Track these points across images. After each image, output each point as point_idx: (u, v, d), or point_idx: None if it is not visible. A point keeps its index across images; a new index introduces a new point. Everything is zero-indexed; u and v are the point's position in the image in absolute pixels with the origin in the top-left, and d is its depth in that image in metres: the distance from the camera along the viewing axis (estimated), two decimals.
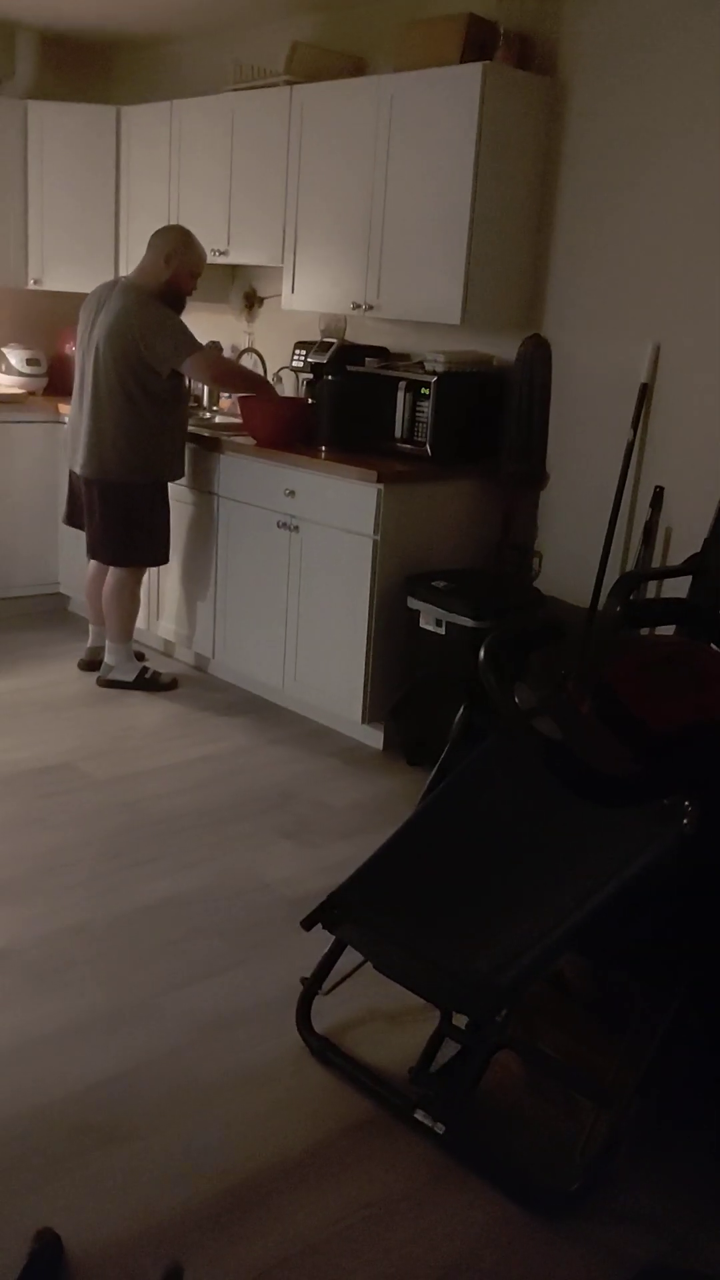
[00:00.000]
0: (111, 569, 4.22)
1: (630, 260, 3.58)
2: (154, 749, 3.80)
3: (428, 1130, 2.10)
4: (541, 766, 1.91)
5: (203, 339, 5.10)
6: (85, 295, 4.15)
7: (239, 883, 2.98)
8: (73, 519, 4.31)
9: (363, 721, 3.87)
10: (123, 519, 4.09)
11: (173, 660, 4.68)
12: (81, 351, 4.07)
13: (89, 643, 4.47)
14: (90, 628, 4.46)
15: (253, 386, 4.15)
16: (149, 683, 4.30)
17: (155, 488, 4.12)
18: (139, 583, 4.27)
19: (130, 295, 3.92)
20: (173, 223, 4.17)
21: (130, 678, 4.30)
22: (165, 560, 4.28)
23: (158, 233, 4.03)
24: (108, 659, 4.33)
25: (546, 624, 2.08)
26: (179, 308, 4.02)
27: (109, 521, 4.09)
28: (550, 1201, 1.97)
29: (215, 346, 4.76)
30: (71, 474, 4.22)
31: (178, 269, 3.96)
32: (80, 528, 4.25)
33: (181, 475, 4.22)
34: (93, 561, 4.29)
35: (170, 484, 4.20)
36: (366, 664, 3.78)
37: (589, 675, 1.76)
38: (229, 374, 4.20)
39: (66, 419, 4.23)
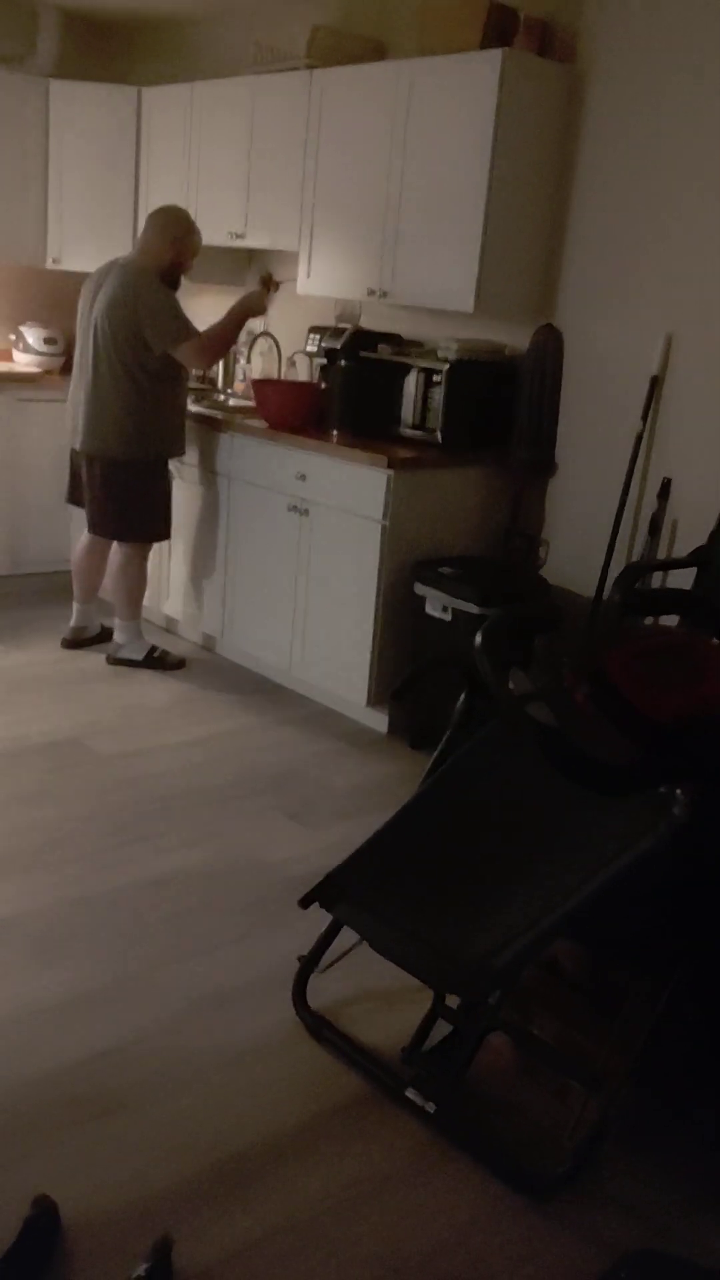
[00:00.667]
0: (116, 547, 4.25)
1: (645, 251, 3.57)
2: (160, 727, 3.83)
3: (419, 1110, 2.12)
4: (538, 759, 1.91)
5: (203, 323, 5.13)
6: None
7: (240, 861, 3.01)
8: (74, 496, 4.34)
9: (367, 705, 3.88)
10: (123, 495, 4.12)
11: (179, 639, 4.70)
12: (82, 330, 4.09)
13: (72, 621, 4.51)
14: (75, 605, 4.50)
15: (232, 336, 4.09)
16: (157, 661, 4.33)
17: (155, 464, 4.14)
18: (144, 559, 4.30)
19: (131, 274, 3.95)
20: (176, 204, 4.18)
21: (139, 656, 4.33)
22: (166, 536, 4.30)
23: (159, 212, 4.06)
24: (117, 637, 4.36)
25: (544, 610, 2.09)
26: (176, 287, 4.05)
27: (109, 498, 4.12)
28: (538, 1184, 1.99)
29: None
30: (72, 452, 4.24)
31: (181, 251, 3.99)
32: (82, 505, 4.28)
33: (182, 452, 4.24)
34: (84, 538, 4.34)
35: (181, 464, 4.21)
36: (372, 648, 3.79)
37: (586, 662, 1.77)
38: (216, 350, 4.10)
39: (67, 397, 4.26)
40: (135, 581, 4.29)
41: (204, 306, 5.30)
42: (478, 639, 1.88)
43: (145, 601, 4.63)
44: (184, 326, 3.95)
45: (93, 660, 4.37)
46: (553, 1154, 2.04)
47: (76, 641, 4.47)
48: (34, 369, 5.06)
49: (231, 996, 2.44)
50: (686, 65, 3.39)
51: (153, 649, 4.35)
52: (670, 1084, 2.21)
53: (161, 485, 4.20)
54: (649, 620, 2.37)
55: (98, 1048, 2.25)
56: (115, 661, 4.34)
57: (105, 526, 4.20)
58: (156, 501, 4.20)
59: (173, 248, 3.98)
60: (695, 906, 1.98)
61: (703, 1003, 2.18)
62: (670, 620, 2.58)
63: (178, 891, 2.83)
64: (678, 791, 1.76)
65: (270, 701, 4.14)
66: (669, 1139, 2.14)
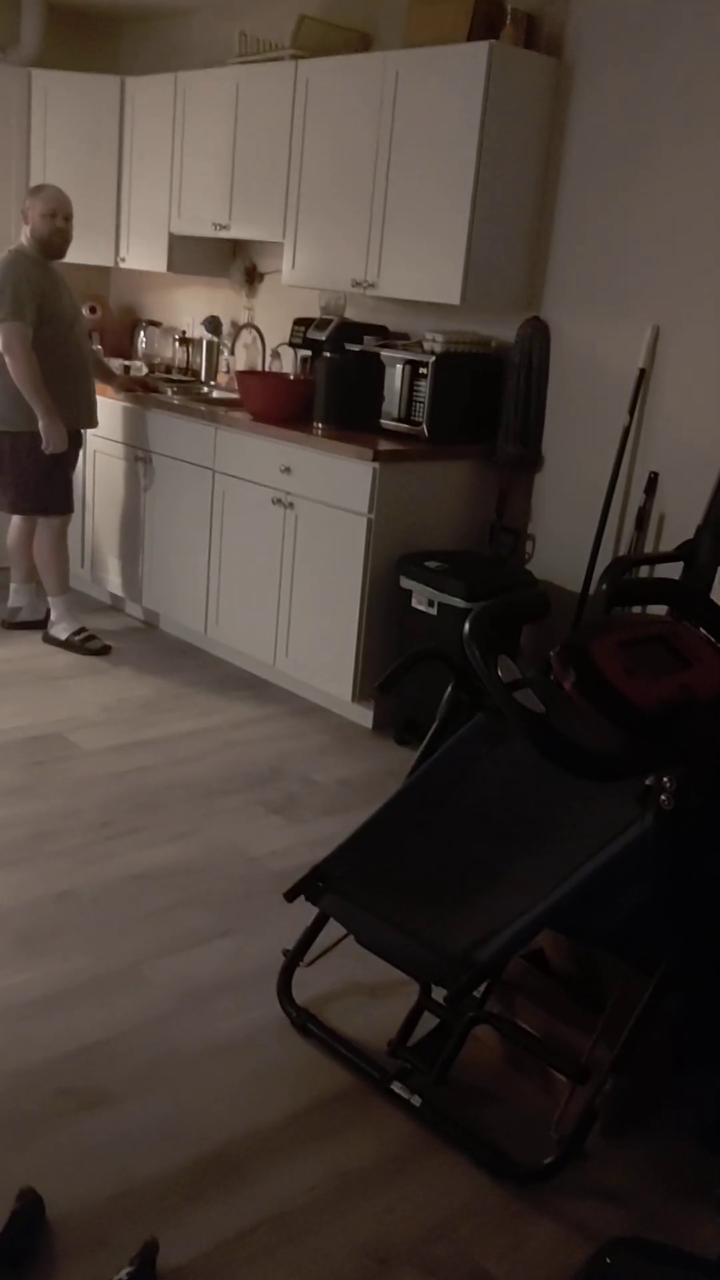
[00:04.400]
0: (37, 523, 4.31)
1: (631, 244, 3.57)
2: (144, 721, 3.82)
3: (404, 1102, 2.12)
4: (525, 746, 1.92)
5: (201, 314, 5.12)
6: (85, 267, 4.15)
7: (225, 855, 3.00)
8: None
9: (353, 700, 3.88)
10: (13, 468, 4.17)
11: (159, 631, 4.69)
12: None
13: (9, 602, 4.56)
14: (10, 586, 4.56)
15: (28, 390, 4.04)
16: (79, 645, 4.37)
17: (33, 437, 4.12)
18: (59, 534, 4.32)
19: (3, 251, 4.08)
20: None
21: (63, 636, 4.40)
22: (63, 511, 4.31)
23: None
24: (51, 613, 4.44)
25: (533, 599, 2.09)
26: (53, 253, 4.10)
27: (1, 471, 4.21)
28: (524, 1175, 2.00)
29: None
30: None
31: (31, 217, 4.05)
32: None
33: (83, 425, 4.27)
34: (14, 517, 4.41)
35: (163, 457, 4.18)
36: (358, 642, 3.79)
37: (572, 651, 1.77)
38: (15, 360, 4.02)
39: None
40: (47, 556, 4.32)
41: (188, 298, 5.29)
42: (466, 626, 1.87)
43: (123, 594, 4.62)
44: (10, 306, 3.95)
45: (72, 655, 4.35)
46: (539, 1145, 2.05)
47: (11, 623, 4.52)
48: None
49: (217, 991, 2.44)
50: (672, 58, 3.39)
51: (77, 630, 4.39)
52: (655, 1074, 2.22)
53: (51, 459, 4.17)
54: (636, 610, 2.38)
55: (83, 1042, 2.24)
56: (48, 641, 4.42)
57: (4, 500, 4.29)
58: (52, 474, 4.20)
59: (25, 218, 4.07)
60: (681, 896, 1.99)
61: (688, 993, 2.19)
62: (658, 610, 2.59)
63: (163, 886, 2.83)
64: (664, 780, 1.77)
65: (255, 696, 4.13)
66: (654, 1129, 2.15)
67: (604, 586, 2.05)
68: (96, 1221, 1.84)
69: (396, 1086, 2.14)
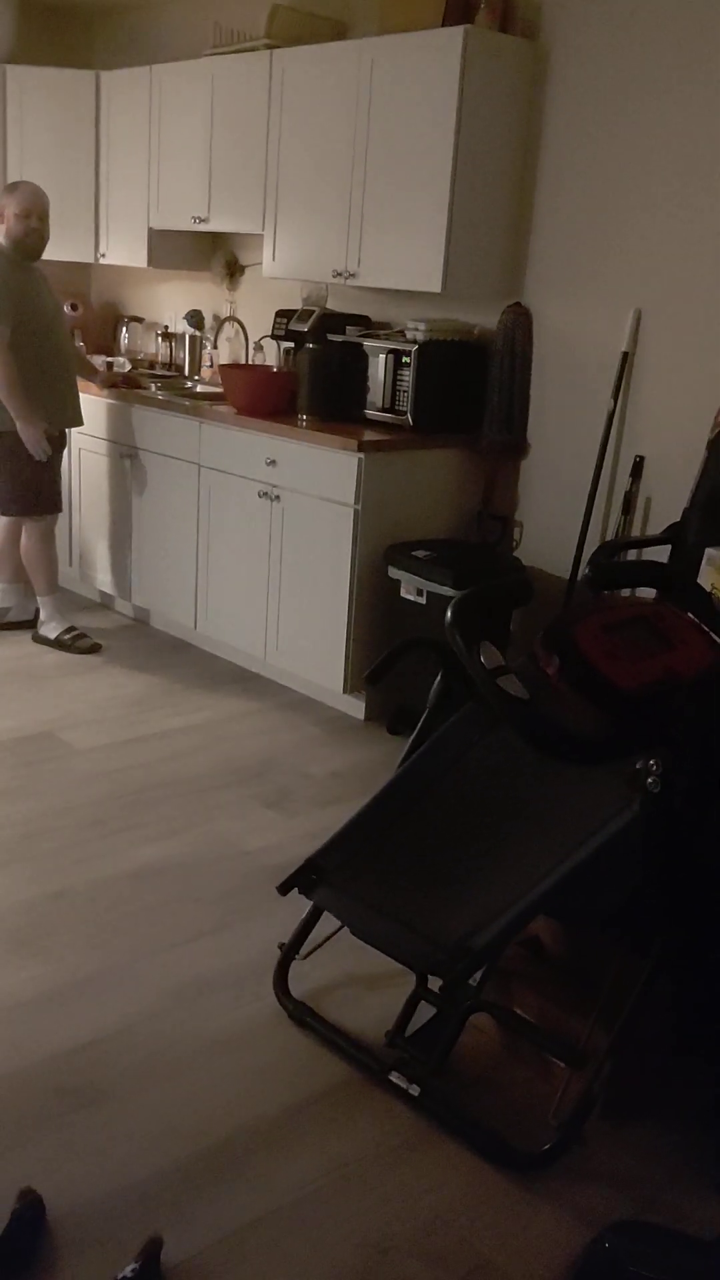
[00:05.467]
0: (23, 523, 4.30)
1: (612, 227, 3.56)
2: (135, 719, 3.81)
3: (403, 1092, 2.12)
4: (510, 732, 1.91)
5: (183, 309, 5.10)
6: (64, 263, 4.12)
7: (219, 850, 2.99)
8: None
9: (344, 692, 3.87)
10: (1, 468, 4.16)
11: (149, 628, 4.68)
12: None
13: None
14: None
15: (4, 394, 4.03)
16: (68, 644, 4.36)
17: (18, 437, 4.10)
18: (46, 534, 4.31)
19: None
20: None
21: (53, 635, 4.38)
22: (50, 511, 4.29)
23: None
24: (40, 613, 4.43)
25: (514, 583, 2.08)
26: (30, 253, 4.07)
27: None
28: (523, 1162, 2.00)
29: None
30: None
31: (6, 217, 4.02)
32: None
33: (67, 424, 4.26)
34: (0, 518, 4.38)
35: (150, 453, 4.16)
36: (347, 633, 3.78)
37: (555, 635, 1.77)
38: (6, 365, 4.01)
39: None
40: (36, 556, 4.31)
41: (169, 292, 5.26)
42: (448, 613, 1.87)
43: (112, 591, 4.60)
44: None
45: (61, 654, 4.34)
46: (538, 1131, 2.05)
47: (0, 624, 4.51)
48: None
49: (213, 985, 2.43)
50: (650, 40, 3.38)
51: (67, 629, 4.37)
52: (653, 1058, 2.22)
53: (35, 459, 4.14)
54: (625, 593, 2.37)
55: (80, 1040, 2.24)
56: (38, 640, 4.40)
57: None
58: (33, 474, 4.18)
59: (1, 218, 4.03)
60: (673, 878, 1.98)
61: (681, 976, 2.19)
62: (646, 594, 2.58)
63: (157, 882, 2.82)
64: (651, 764, 1.77)
65: (246, 691, 4.12)
66: (653, 1112, 2.16)
67: (588, 571, 2.04)
68: (97, 1220, 1.83)
69: (395, 1077, 2.14)
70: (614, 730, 1.76)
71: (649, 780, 1.78)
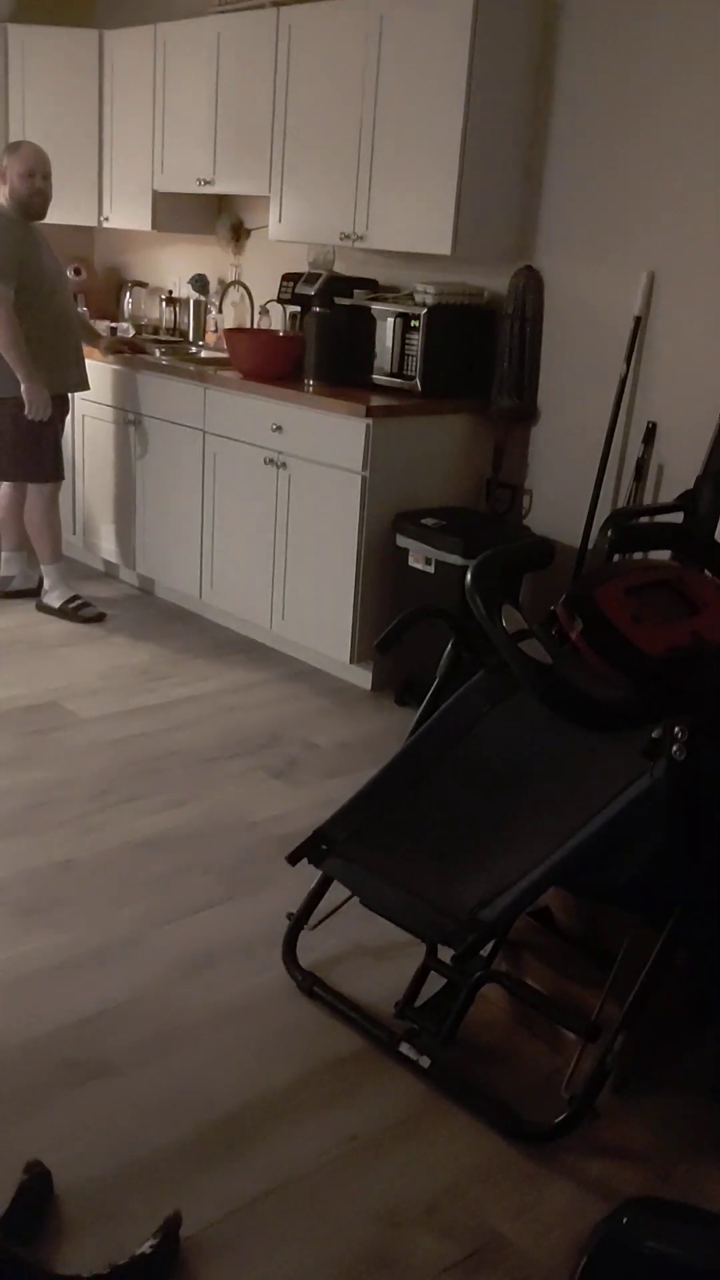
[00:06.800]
0: (28, 489, 4.25)
1: (625, 187, 3.48)
2: (141, 688, 3.77)
3: (413, 1064, 2.10)
4: (529, 698, 1.87)
5: (188, 273, 5.02)
6: (67, 227, 4.06)
7: (226, 821, 2.97)
8: None
9: (351, 662, 3.83)
10: (1, 434, 4.10)
11: (153, 597, 4.64)
12: None
13: (0, 571, 4.50)
14: (1, 554, 4.50)
15: (9, 355, 3.96)
16: (72, 613, 4.31)
17: (19, 402, 4.04)
18: (50, 501, 4.25)
19: None
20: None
21: (57, 604, 4.34)
22: (53, 478, 4.23)
23: None
24: (44, 582, 4.38)
25: (536, 546, 2.03)
26: (32, 214, 4.00)
27: None
28: (535, 1135, 1.98)
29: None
30: None
31: (9, 177, 3.95)
32: None
33: (71, 389, 4.20)
34: (2, 485, 4.33)
35: (154, 419, 4.10)
36: (355, 603, 3.74)
37: (577, 598, 1.72)
38: (10, 326, 3.93)
39: None
40: (39, 524, 4.26)
41: (174, 256, 5.18)
42: (468, 575, 1.82)
43: (117, 560, 4.56)
44: None
45: (67, 624, 4.30)
46: (550, 1104, 2.02)
47: (3, 593, 4.47)
48: None
49: (221, 956, 2.41)
50: None
51: (71, 598, 4.33)
52: (666, 1030, 2.20)
53: (37, 424, 4.08)
54: (639, 557, 2.32)
55: (87, 1011, 2.22)
56: (41, 609, 4.35)
57: None
58: (37, 440, 4.12)
59: (1, 177, 3.96)
60: (693, 849, 1.95)
61: (698, 948, 2.16)
62: (662, 557, 2.53)
63: (164, 853, 2.79)
64: (676, 731, 1.72)
65: (252, 660, 4.09)
66: (666, 1085, 2.13)
67: (608, 532, 1.99)
68: (105, 1193, 1.82)
69: (405, 1048, 2.12)
70: (638, 696, 1.72)
71: (674, 749, 1.73)
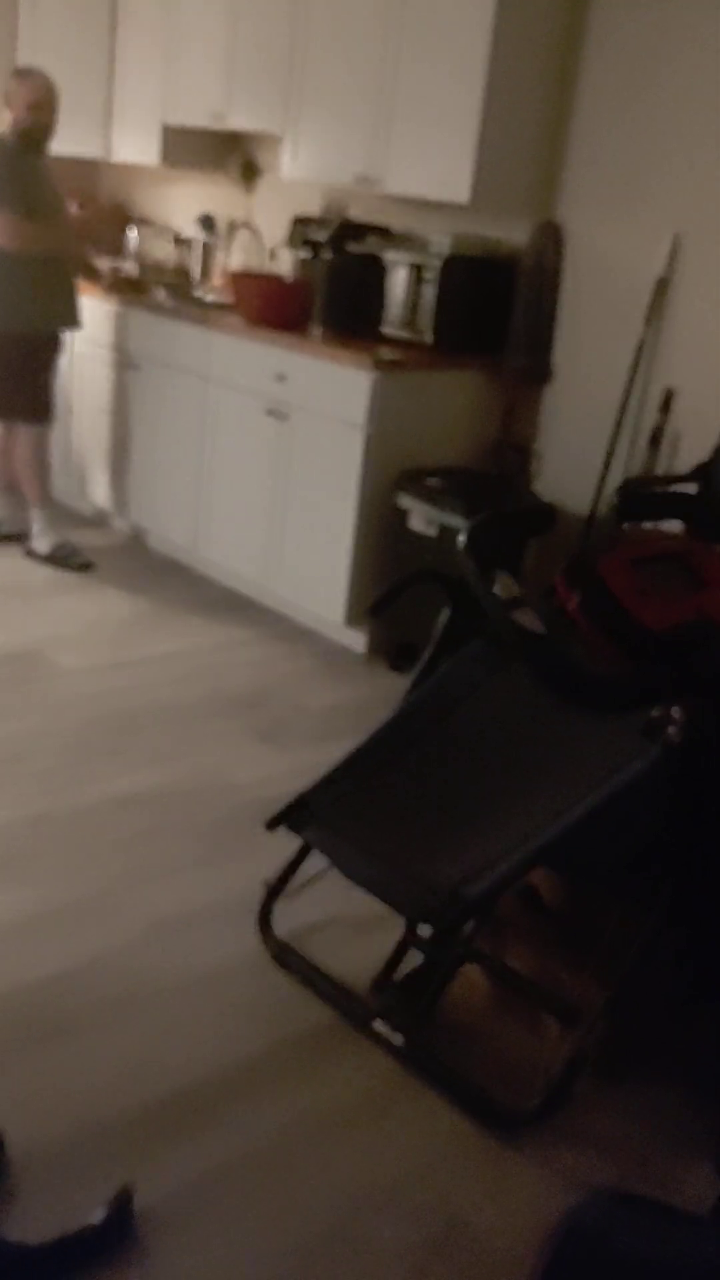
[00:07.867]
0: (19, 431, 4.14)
1: (656, 145, 3.34)
2: (126, 641, 3.68)
3: (386, 1041, 2.04)
4: (524, 669, 1.77)
5: (196, 212, 4.86)
6: (72, 160, 3.93)
7: (207, 782, 2.89)
8: None
9: (345, 624, 3.74)
10: None
11: (145, 547, 4.53)
12: None
13: None
14: None
15: (55, 244, 3.92)
16: (61, 560, 4.21)
17: (18, 339, 3.94)
18: (40, 442, 4.14)
19: None
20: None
21: (45, 550, 4.23)
22: (45, 418, 4.13)
23: None
24: (32, 525, 4.28)
25: (535, 510, 1.93)
26: (36, 143, 3.89)
27: None
28: (508, 1120, 1.92)
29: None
30: None
31: (15, 105, 3.83)
32: None
33: (64, 325, 4.08)
34: None
35: (151, 363, 3.98)
36: (351, 563, 3.64)
37: (579, 568, 1.62)
38: (25, 238, 3.85)
39: None
40: (29, 464, 4.15)
41: (182, 194, 5.02)
42: (462, 538, 1.72)
43: (108, 507, 4.44)
44: None
45: (52, 571, 4.19)
46: (525, 1088, 1.96)
47: None
48: None
49: (194, 920, 2.34)
50: None
51: (60, 545, 4.23)
52: (648, 1017, 2.13)
53: (28, 362, 3.99)
54: (649, 526, 2.22)
55: (53, 970, 2.14)
56: (29, 555, 4.25)
57: None
58: (28, 379, 4.01)
59: (8, 105, 3.84)
60: (683, 831, 1.87)
61: (688, 931, 2.09)
62: (673, 527, 2.43)
63: (141, 811, 2.71)
64: (673, 711, 1.63)
65: (243, 617, 3.99)
66: (646, 1074, 2.07)
67: (616, 500, 1.89)
68: (61, 1159, 1.76)
69: (378, 1025, 2.06)
70: (636, 673, 1.62)
71: (670, 730, 1.64)
